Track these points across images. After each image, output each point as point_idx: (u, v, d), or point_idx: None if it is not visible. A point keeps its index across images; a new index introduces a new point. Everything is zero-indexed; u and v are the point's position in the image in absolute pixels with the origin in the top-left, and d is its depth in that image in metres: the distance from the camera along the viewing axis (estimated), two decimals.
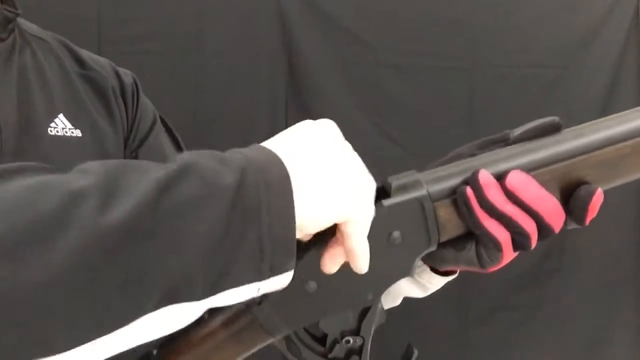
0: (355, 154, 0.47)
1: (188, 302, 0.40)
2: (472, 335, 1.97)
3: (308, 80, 1.89)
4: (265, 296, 0.50)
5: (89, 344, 0.37)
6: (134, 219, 0.37)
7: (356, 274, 0.50)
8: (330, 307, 0.52)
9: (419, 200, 0.52)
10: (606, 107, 1.94)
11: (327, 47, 1.89)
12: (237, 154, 0.43)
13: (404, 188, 0.52)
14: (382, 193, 0.52)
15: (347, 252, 0.47)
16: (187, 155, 0.42)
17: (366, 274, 0.50)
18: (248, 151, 0.44)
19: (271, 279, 0.42)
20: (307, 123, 0.48)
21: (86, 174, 0.39)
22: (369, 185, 0.47)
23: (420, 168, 0.55)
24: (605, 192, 0.55)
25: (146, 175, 0.39)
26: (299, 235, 0.43)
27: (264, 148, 0.44)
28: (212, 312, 0.53)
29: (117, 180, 0.39)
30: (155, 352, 0.55)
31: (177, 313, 0.40)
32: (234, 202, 0.40)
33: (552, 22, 1.95)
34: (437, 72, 1.93)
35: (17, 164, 0.40)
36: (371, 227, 0.49)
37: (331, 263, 0.48)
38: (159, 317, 0.39)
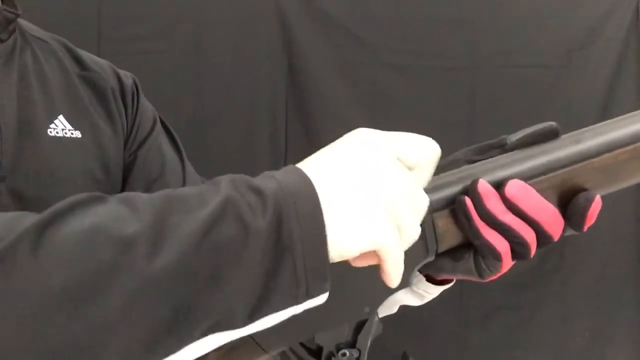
0: (401, 174, 0.46)
1: (229, 331, 0.43)
2: (472, 335, 1.97)
3: (308, 80, 1.89)
4: None
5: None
6: (179, 263, 0.40)
7: (352, 287, 0.50)
8: (327, 322, 0.52)
9: None
10: (606, 107, 1.94)
11: (327, 47, 1.89)
12: (270, 181, 0.44)
13: None
14: None
15: (382, 271, 0.47)
16: (225, 186, 0.43)
17: (363, 287, 0.51)
18: (282, 176, 0.45)
19: (307, 301, 0.44)
20: (352, 140, 0.47)
21: (135, 215, 0.41)
22: (410, 209, 0.46)
23: None
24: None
25: (190, 216, 0.41)
26: (338, 259, 0.44)
27: (298, 172, 0.45)
28: None
29: (163, 223, 0.41)
30: None
31: (219, 339, 0.43)
32: (269, 240, 0.42)
33: (552, 22, 1.94)
34: (437, 72, 1.93)
35: (66, 201, 0.42)
36: None
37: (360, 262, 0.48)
38: (202, 343, 0.42)
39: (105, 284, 0.38)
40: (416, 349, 1.84)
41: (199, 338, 0.42)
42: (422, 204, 0.47)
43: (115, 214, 0.41)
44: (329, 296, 0.49)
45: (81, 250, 0.39)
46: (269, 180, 0.44)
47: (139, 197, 0.43)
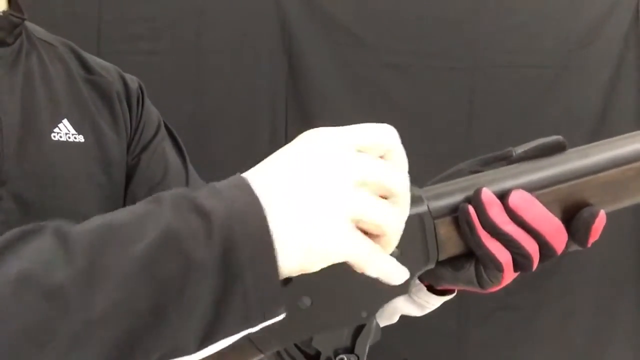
0: (360, 160, 0.43)
1: (182, 357, 0.41)
2: (472, 335, 1.97)
3: (308, 80, 1.89)
4: None
5: None
6: (115, 307, 0.38)
7: (350, 290, 0.49)
8: (324, 324, 0.51)
9: (420, 217, 0.51)
10: (606, 107, 1.94)
11: (327, 47, 1.89)
12: (217, 200, 0.41)
13: None
14: None
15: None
16: (166, 211, 0.41)
17: (361, 291, 0.50)
18: (229, 192, 0.42)
19: (263, 324, 0.43)
20: (300, 143, 0.44)
21: (66, 256, 0.39)
22: (381, 202, 0.43)
23: (420, 180, 0.54)
24: None
25: (127, 252, 0.39)
26: (299, 273, 0.42)
27: (246, 188, 0.42)
28: None
29: (95, 265, 0.38)
30: None
31: None
32: (216, 271, 0.40)
33: (552, 22, 1.94)
34: (437, 72, 1.93)
35: (10, 233, 0.40)
36: None
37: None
38: None
39: (40, 340, 0.37)
40: (416, 349, 1.84)
41: None
42: (396, 181, 0.44)
43: (45, 257, 0.39)
44: (326, 299, 0.49)
45: (11, 306, 0.37)
46: (215, 199, 0.41)
47: (74, 230, 0.40)
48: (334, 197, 0.42)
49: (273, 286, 0.41)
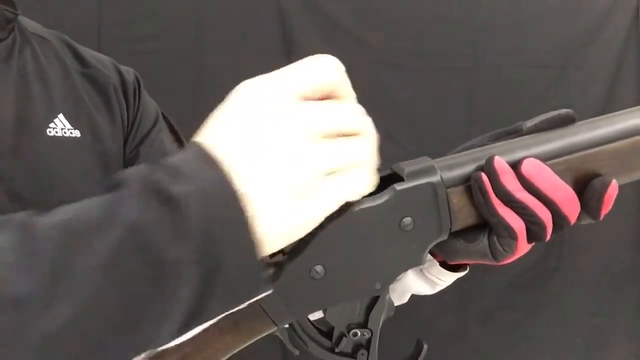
0: (316, 122, 0.41)
1: (160, 346, 0.40)
2: (472, 335, 1.97)
3: None
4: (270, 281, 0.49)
5: None
6: (83, 317, 0.36)
7: (364, 259, 0.49)
8: (337, 295, 0.51)
9: (432, 186, 0.51)
10: (606, 107, 1.94)
11: (327, 47, 1.89)
12: (183, 183, 0.37)
13: (417, 173, 0.51)
14: (394, 178, 0.51)
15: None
16: (131, 203, 0.37)
17: (375, 261, 0.50)
18: (193, 171, 0.38)
19: (248, 301, 0.42)
20: (241, 98, 0.43)
21: (29, 260, 0.36)
22: (348, 145, 0.42)
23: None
24: None
25: (89, 257, 0.36)
26: (288, 242, 0.41)
27: (209, 162, 0.39)
28: None
29: (58, 272, 0.36)
30: None
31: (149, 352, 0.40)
32: (190, 266, 0.37)
33: (552, 22, 1.94)
34: (437, 72, 1.93)
35: None
36: (382, 212, 0.48)
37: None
38: None
39: (4, 352, 0.35)
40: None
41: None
42: (351, 121, 0.44)
43: (5, 260, 0.36)
44: (339, 269, 0.49)
45: None
46: (182, 182, 0.38)
47: (41, 225, 0.37)
48: (298, 159, 0.40)
49: (255, 269, 0.39)
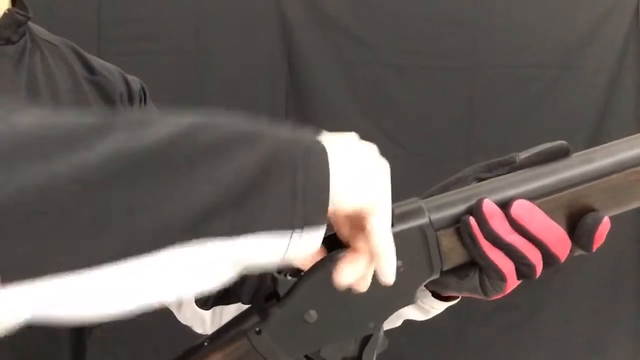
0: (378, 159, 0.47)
1: (214, 239, 0.38)
2: (472, 335, 1.97)
3: (308, 80, 1.89)
4: (264, 325, 0.50)
5: (114, 267, 0.36)
6: (169, 144, 0.38)
7: (357, 302, 0.49)
8: (331, 337, 0.52)
9: (421, 229, 0.51)
10: (606, 107, 1.94)
11: (327, 47, 1.89)
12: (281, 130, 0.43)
13: (405, 216, 0.51)
14: None
15: (375, 253, 0.45)
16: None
17: (367, 303, 0.50)
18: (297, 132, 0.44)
19: (302, 233, 0.41)
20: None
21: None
22: (387, 184, 0.47)
23: (420, 181, 0.54)
24: None
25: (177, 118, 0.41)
26: (331, 208, 0.42)
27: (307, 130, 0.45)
28: (211, 340, 0.53)
29: (145, 119, 0.41)
30: None
31: (202, 256, 0.38)
32: (271, 150, 0.40)
33: (552, 22, 1.94)
34: (437, 72, 1.93)
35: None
36: None
37: (350, 271, 0.46)
38: (185, 255, 0.37)
39: (87, 140, 0.36)
40: (416, 349, 1.84)
41: (179, 240, 0.37)
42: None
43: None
44: (333, 312, 0.50)
45: (54, 120, 0.39)
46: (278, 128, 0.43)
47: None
48: (374, 158, 0.46)
49: (322, 189, 0.41)
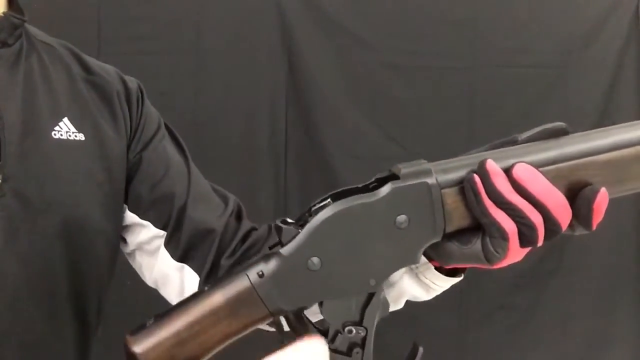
0: None
1: None
2: (472, 335, 1.97)
3: (308, 80, 1.89)
4: (267, 268, 0.51)
5: None
6: None
7: (359, 254, 0.51)
8: (332, 289, 0.52)
9: (427, 186, 0.53)
10: (606, 107, 1.94)
11: (327, 47, 1.89)
12: None
13: (413, 174, 0.53)
14: (391, 179, 0.53)
15: None
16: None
17: (370, 257, 0.52)
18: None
19: None
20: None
21: None
22: None
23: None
24: None
25: None
26: None
27: None
28: (212, 284, 0.54)
29: None
30: (151, 321, 0.54)
31: None
32: None
33: (552, 22, 1.94)
34: (437, 72, 1.93)
35: None
36: (378, 208, 0.51)
37: None
38: None
39: None
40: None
41: None
42: None
43: None
44: (335, 263, 0.51)
45: None
46: None
47: None
48: None
49: None
